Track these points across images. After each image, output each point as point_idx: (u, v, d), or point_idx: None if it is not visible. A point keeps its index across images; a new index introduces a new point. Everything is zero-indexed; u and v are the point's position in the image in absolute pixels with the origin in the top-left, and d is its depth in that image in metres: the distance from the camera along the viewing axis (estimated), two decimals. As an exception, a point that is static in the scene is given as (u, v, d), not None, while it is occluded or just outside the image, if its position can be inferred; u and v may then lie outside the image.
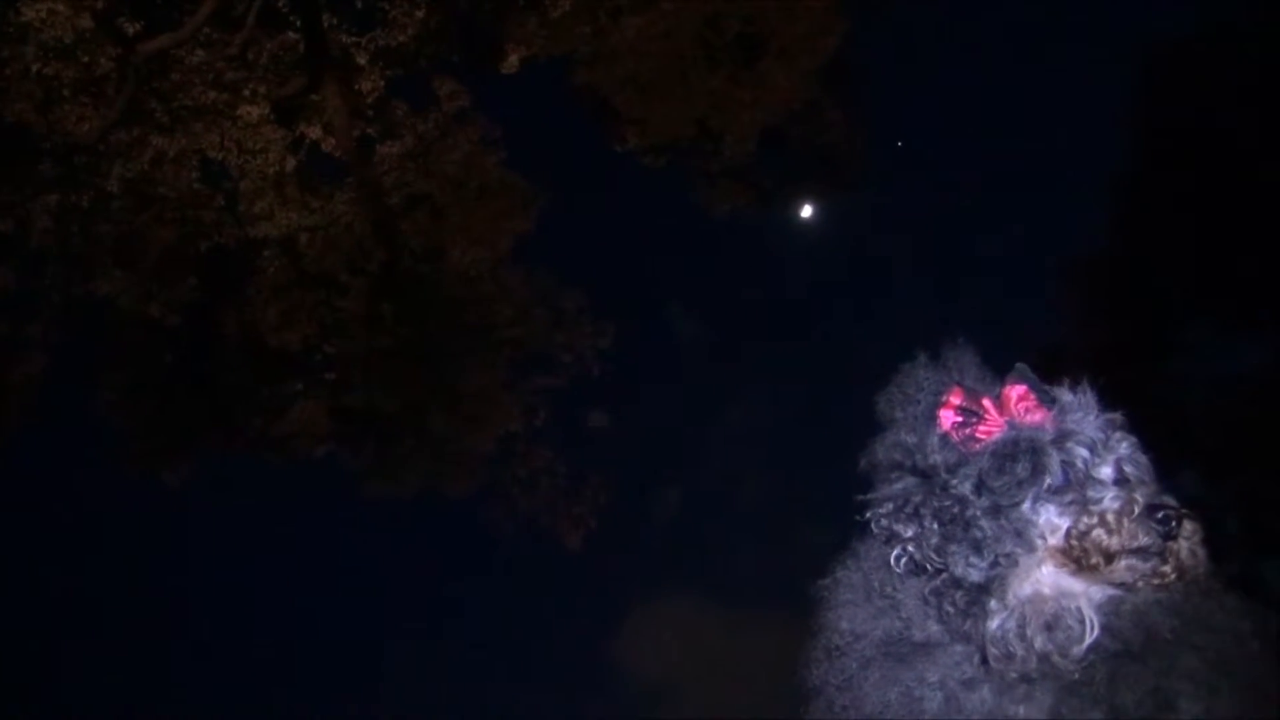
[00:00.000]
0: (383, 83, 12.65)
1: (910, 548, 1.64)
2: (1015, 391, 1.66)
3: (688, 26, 12.84)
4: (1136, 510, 1.53)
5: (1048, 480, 1.58)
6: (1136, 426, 1.65)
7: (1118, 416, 1.63)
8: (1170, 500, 1.56)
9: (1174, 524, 1.53)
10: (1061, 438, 1.59)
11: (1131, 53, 12.63)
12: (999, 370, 1.75)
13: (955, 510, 1.59)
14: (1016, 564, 1.57)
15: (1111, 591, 1.58)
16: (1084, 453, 1.58)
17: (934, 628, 1.63)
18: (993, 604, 1.57)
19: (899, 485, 1.67)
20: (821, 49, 13.24)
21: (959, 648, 1.61)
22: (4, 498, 13.49)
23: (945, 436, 1.65)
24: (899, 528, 1.65)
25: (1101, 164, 13.42)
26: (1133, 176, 12.62)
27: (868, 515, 1.71)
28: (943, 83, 15.85)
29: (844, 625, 1.69)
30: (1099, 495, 1.56)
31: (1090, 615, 1.56)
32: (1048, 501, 1.58)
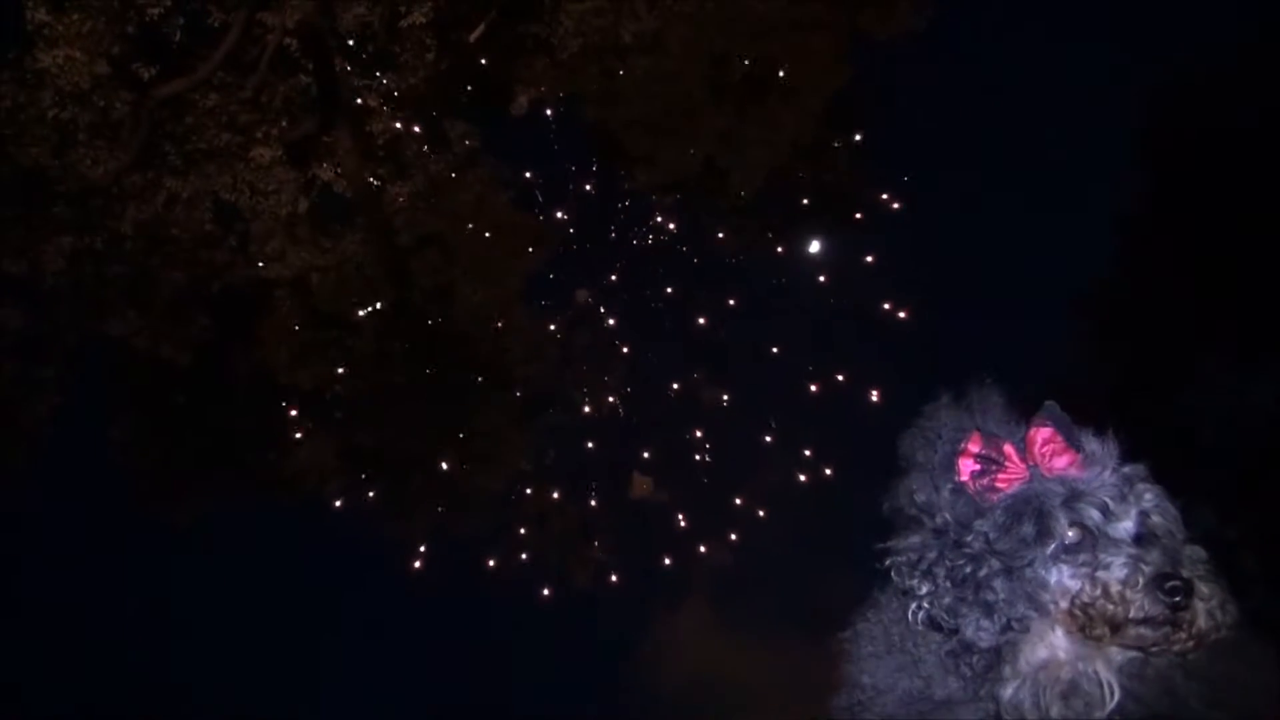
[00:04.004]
0: (394, 124, 12.77)
1: (926, 604, 1.59)
2: (1040, 434, 1.61)
3: (695, 67, 12.96)
4: (1141, 580, 1.49)
5: (1053, 544, 1.53)
6: (1150, 461, 1.60)
7: (1139, 468, 1.58)
8: (1181, 569, 1.50)
9: (1181, 595, 1.48)
10: (1074, 497, 1.54)
11: (1142, 88, 12.69)
12: (1024, 408, 1.69)
13: (968, 570, 1.55)
14: (1028, 629, 1.53)
15: (1132, 653, 1.53)
16: (1095, 514, 1.53)
17: (954, 684, 1.59)
18: (1006, 670, 1.53)
19: (915, 538, 1.63)
20: (828, 88, 13.35)
21: (980, 705, 1.56)
22: (15, 535, 13.49)
23: (961, 487, 1.60)
24: (914, 583, 1.61)
25: (1111, 198, 13.44)
26: (1143, 210, 12.63)
27: (887, 563, 1.67)
28: (949, 120, 15.93)
29: (865, 680, 1.65)
30: (1109, 559, 1.51)
31: (1109, 679, 1.51)
32: (1062, 562, 1.53)
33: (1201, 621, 1.50)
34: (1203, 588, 1.50)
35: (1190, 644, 1.50)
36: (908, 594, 1.63)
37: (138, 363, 12.82)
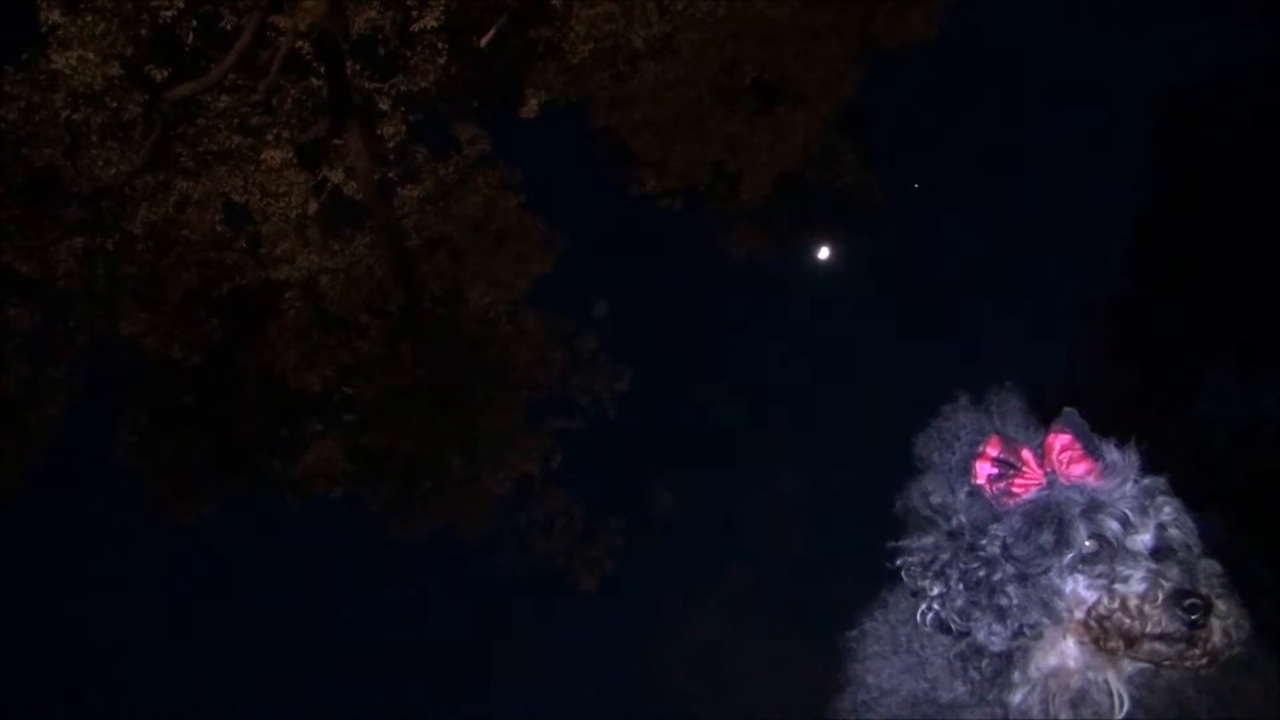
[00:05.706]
0: (404, 127, 12.79)
1: (936, 606, 1.58)
2: (1059, 441, 1.59)
3: (705, 72, 12.97)
4: (1161, 596, 1.47)
5: (1070, 553, 1.52)
6: (1164, 470, 1.58)
7: (1160, 480, 1.57)
8: (1200, 587, 1.48)
9: (1200, 613, 1.46)
10: (1093, 507, 1.53)
11: (1151, 94, 12.67)
12: (1043, 414, 1.67)
13: (981, 574, 1.54)
14: (1041, 635, 1.52)
15: (1143, 664, 1.51)
16: (1114, 525, 1.51)
17: (960, 688, 1.57)
18: (1016, 676, 1.52)
19: (928, 539, 1.61)
20: (838, 94, 13.35)
21: (986, 710, 1.55)
22: (24, 537, 13.53)
23: (978, 490, 1.58)
24: (925, 584, 1.59)
25: (1121, 205, 13.42)
26: (1153, 218, 12.60)
27: (898, 563, 1.65)
28: (959, 125, 15.91)
29: (870, 680, 1.64)
30: (1128, 572, 1.49)
31: (1119, 689, 1.50)
32: (1078, 572, 1.52)
33: (1217, 639, 1.48)
34: (1220, 605, 1.48)
35: (1204, 661, 1.48)
36: (918, 595, 1.61)
37: (147, 363, 12.86)
